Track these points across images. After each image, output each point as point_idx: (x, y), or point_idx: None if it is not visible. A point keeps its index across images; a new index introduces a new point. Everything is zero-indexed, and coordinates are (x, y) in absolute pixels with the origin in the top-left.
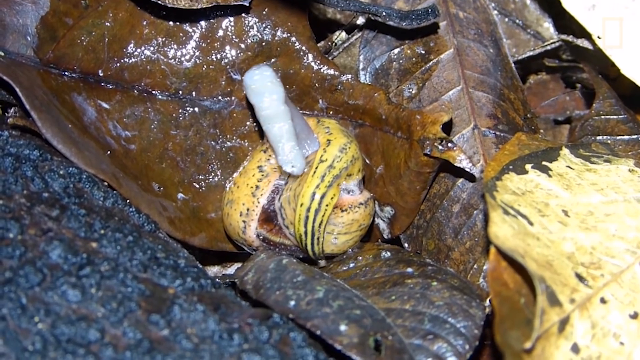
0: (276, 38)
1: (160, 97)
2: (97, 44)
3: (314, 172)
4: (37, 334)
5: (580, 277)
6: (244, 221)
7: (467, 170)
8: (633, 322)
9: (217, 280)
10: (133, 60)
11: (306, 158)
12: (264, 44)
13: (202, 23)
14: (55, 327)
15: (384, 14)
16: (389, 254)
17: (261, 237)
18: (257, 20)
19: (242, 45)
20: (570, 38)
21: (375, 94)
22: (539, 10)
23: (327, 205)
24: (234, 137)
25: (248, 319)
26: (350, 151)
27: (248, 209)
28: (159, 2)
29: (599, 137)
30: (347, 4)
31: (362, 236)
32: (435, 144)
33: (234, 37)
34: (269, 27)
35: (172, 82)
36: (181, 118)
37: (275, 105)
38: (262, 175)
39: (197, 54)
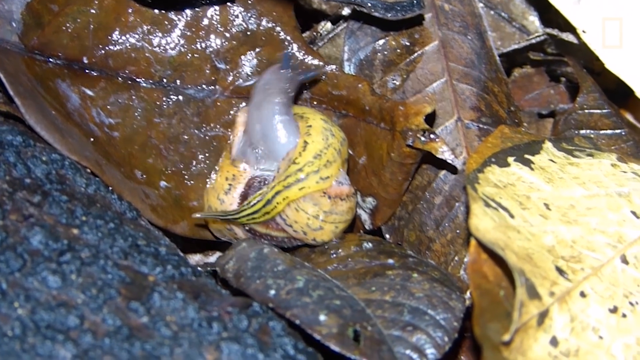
0: (261, 27)
1: (144, 84)
2: (82, 31)
3: (285, 170)
4: (17, 320)
5: (560, 271)
6: (229, 184)
7: (450, 162)
8: (612, 316)
9: (197, 268)
10: (118, 47)
11: (287, 154)
12: (249, 33)
13: (188, 12)
14: (34, 313)
15: (369, 5)
16: (370, 245)
17: (247, 228)
18: (242, 9)
19: (227, 35)
20: (555, 32)
21: (359, 85)
22: (524, 3)
23: (277, 203)
24: (218, 126)
25: (228, 307)
26: (325, 156)
27: (234, 175)
28: None
29: (582, 131)
30: None
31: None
32: (418, 135)
33: (219, 26)
34: (254, 16)
35: (156, 70)
36: (165, 106)
37: None
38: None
39: (182, 42)
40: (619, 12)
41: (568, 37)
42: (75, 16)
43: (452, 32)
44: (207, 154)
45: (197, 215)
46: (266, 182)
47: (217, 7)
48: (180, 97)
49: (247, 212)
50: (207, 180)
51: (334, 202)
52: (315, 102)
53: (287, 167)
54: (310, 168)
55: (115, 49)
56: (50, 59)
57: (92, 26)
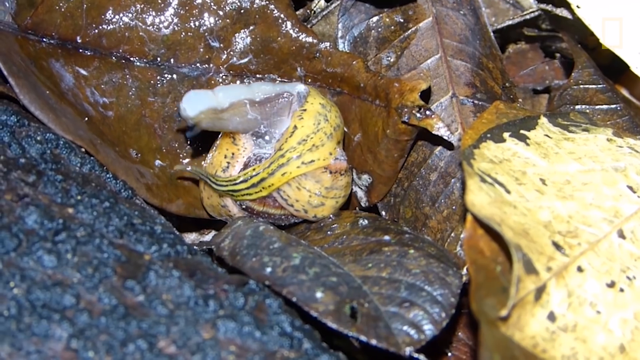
0: (254, 5)
1: (138, 63)
2: (75, 10)
3: (271, 155)
4: (13, 299)
5: (557, 246)
6: (227, 162)
7: (445, 138)
8: (609, 291)
9: (193, 247)
10: (111, 26)
11: (281, 136)
12: (242, 11)
13: None
14: (30, 293)
15: None
16: (366, 221)
17: (244, 206)
18: None
19: (221, 13)
20: (549, 7)
21: (354, 62)
22: None
23: (263, 188)
24: None
25: (224, 285)
26: (311, 141)
27: (233, 153)
28: None
29: (577, 107)
30: None
31: None
32: (413, 111)
33: (212, 4)
34: None
35: (150, 49)
36: (159, 85)
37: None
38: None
39: (175, 21)
40: (619, 12)
41: (562, 12)
42: None
43: (446, 8)
44: None
45: (178, 167)
46: (262, 161)
47: None
48: (174, 76)
49: (229, 188)
50: (203, 162)
51: (334, 178)
52: (309, 80)
53: (275, 152)
54: (292, 153)
55: (108, 28)
56: (44, 39)
57: (85, 5)
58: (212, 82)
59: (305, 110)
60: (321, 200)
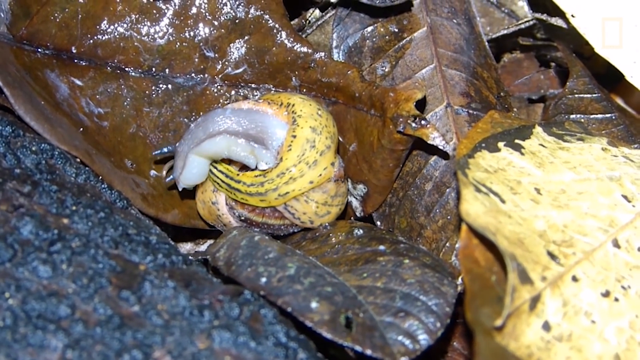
0: (249, 15)
1: (133, 74)
2: (70, 21)
3: (267, 174)
4: (8, 310)
5: (552, 255)
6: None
7: (440, 147)
8: (605, 300)
9: (188, 257)
10: (106, 37)
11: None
12: (237, 21)
13: (176, 0)
14: (25, 303)
15: None
16: (361, 231)
17: (242, 218)
18: None
19: (216, 23)
20: (544, 16)
21: (349, 72)
22: None
23: (243, 199)
24: None
25: (219, 295)
26: (288, 174)
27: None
28: None
29: (572, 116)
30: None
31: None
32: (409, 121)
33: (207, 14)
34: (242, 4)
35: (145, 59)
36: (154, 95)
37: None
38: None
39: (170, 31)
40: (619, 12)
41: (557, 21)
42: (63, 5)
43: (440, 17)
44: None
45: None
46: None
47: None
48: (169, 86)
49: (223, 176)
50: None
51: (337, 185)
52: (304, 90)
53: (257, 175)
54: (271, 185)
55: (103, 38)
56: (39, 49)
57: (80, 15)
58: (207, 92)
59: (295, 137)
60: (327, 209)
